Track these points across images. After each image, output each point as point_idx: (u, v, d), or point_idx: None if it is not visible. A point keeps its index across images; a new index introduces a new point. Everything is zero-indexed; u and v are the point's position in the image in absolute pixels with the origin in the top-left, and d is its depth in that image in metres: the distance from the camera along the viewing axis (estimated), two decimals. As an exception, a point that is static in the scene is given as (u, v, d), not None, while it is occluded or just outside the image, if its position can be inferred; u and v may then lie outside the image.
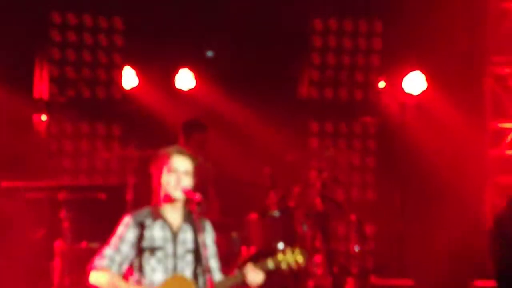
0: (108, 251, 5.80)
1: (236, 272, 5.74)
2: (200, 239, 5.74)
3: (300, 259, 5.76)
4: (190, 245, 5.81)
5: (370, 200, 10.37)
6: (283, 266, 5.77)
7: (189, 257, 5.80)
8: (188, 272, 5.78)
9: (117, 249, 5.77)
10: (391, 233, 9.57)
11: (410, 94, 10.14)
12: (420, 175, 10.06)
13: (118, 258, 5.76)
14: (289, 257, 5.77)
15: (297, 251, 5.79)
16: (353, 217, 8.74)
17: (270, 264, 5.74)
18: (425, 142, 10.06)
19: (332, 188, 8.83)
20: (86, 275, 5.80)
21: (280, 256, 5.79)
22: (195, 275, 5.75)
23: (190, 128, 8.82)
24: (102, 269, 5.73)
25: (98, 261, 5.78)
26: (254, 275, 5.71)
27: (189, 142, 8.75)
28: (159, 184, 5.77)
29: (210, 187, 8.95)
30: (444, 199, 10.11)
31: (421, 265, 9.67)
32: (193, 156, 5.80)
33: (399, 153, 9.49)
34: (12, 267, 9.03)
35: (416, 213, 9.87)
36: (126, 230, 5.75)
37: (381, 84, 10.22)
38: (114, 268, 5.74)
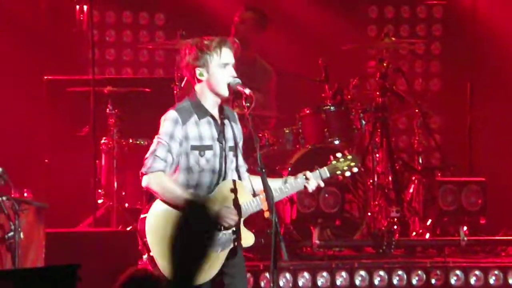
0: (160, 151, 5.64)
1: (298, 177, 5.84)
2: (239, 134, 5.85)
3: (353, 165, 5.94)
4: (231, 142, 5.82)
5: (436, 91, 10.26)
6: (338, 173, 5.96)
7: (231, 155, 5.82)
8: (231, 173, 5.83)
9: (169, 149, 5.64)
10: (458, 126, 9.45)
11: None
12: (492, 63, 9.85)
13: (170, 159, 5.64)
14: (343, 164, 5.93)
15: (350, 157, 5.93)
16: (416, 109, 8.73)
17: (327, 172, 5.91)
18: (498, 27, 9.84)
19: (393, 78, 8.72)
20: (134, 174, 5.96)
21: (334, 163, 5.94)
22: (238, 174, 5.83)
23: (246, 11, 9.02)
24: (157, 172, 5.61)
25: (152, 163, 5.63)
26: (315, 182, 5.84)
27: (244, 24, 8.99)
28: (200, 77, 5.71)
29: (266, 81, 9.04)
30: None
31: (491, 161, 9.54)
32: (239, 46, 5.78)
33: (468, 39, 9.36)
34: (58, 165, 9.43)
35: (487, 105, 9.70)
36: (174, 127, 5.65)
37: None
38: (168, 170, 5.63)
